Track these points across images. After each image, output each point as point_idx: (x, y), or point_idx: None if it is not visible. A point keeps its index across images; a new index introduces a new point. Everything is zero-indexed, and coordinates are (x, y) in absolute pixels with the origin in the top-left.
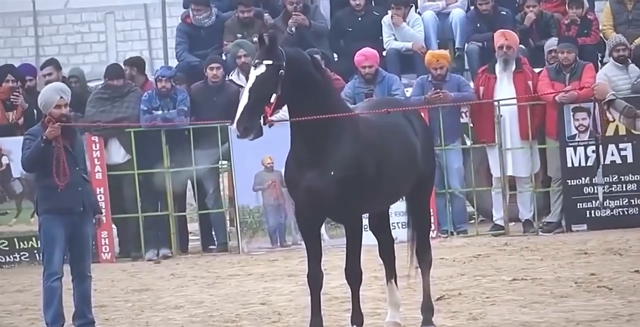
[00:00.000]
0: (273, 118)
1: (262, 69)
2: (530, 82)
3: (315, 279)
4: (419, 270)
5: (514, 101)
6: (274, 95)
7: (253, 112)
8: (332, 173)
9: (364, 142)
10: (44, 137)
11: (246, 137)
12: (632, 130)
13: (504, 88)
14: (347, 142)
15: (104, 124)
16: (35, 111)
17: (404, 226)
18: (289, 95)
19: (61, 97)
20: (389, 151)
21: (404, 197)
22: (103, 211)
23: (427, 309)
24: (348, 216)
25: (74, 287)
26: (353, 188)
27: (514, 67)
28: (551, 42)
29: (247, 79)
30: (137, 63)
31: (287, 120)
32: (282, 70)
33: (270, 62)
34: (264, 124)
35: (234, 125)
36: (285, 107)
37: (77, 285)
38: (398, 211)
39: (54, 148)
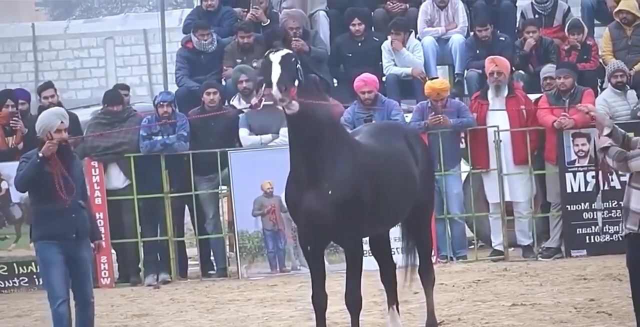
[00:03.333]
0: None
1: (284, 51)
2: (523, 107)
3: (320, 302)
4: (421, 292)
5: (509, 127)
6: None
7: (287, 80)
8: (329, 192)
9: (361, 166)
10: (40, 154)
11: (285, 100)
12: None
13: (497, 114)
14: (344, 165)
15: (100, 139)
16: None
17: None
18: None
19: (61, 122)
20: (386, 177)
21: (400, 223)
22: (102, 236)
23: (432, 326)
24: (347, 237)
25: (76, 312)
26: (351, 209)
27: (506, 93)
28: (546, 69)
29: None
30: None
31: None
32: (299, 64)
33: (289, 50)
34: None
35: (274, 86)
36: (284, 131)
37: (79, 311)
38: (398, 236)
39: (48, 173)
